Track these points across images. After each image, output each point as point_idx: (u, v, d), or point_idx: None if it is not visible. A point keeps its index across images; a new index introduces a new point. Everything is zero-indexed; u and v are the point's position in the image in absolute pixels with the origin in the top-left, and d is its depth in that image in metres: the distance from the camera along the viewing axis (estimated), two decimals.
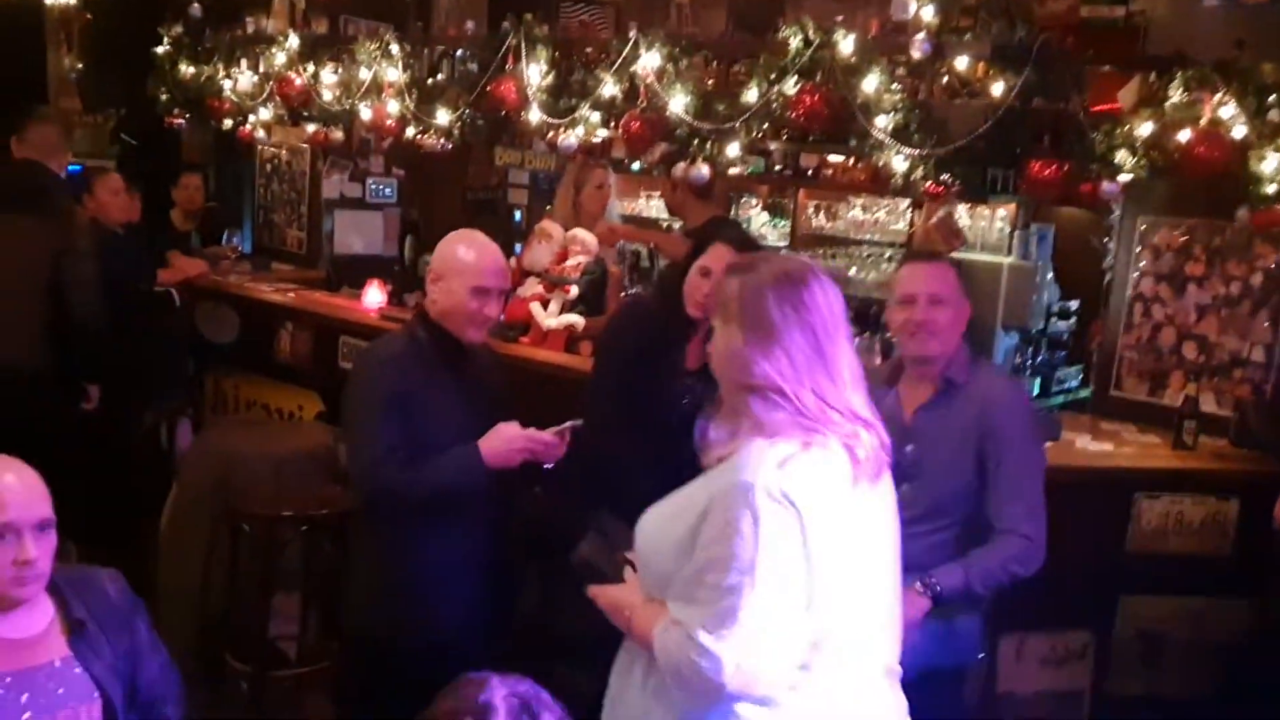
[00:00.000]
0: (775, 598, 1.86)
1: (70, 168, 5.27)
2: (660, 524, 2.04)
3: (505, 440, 2.97)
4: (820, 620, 1.91)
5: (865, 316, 5.40)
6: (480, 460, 2.96)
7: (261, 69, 5.56)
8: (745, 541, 1.84)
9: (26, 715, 2.18)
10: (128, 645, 2.41)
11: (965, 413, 3.05)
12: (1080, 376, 5.01)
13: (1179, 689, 3.74)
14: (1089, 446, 3.76)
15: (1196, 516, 3.59)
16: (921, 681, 3.09)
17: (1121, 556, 3.60)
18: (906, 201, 5.96)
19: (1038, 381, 4.89)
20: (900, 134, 3.54)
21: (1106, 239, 5.10)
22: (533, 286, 4.64)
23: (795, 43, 3.72)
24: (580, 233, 4.65)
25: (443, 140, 4.78)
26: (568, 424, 3.01)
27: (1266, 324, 3.81)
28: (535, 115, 4.31)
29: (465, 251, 3.08)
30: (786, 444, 1.92)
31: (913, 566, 3.07)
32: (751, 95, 3.81)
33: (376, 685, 3.18)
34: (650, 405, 3.58)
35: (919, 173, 3.55)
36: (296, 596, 4.12)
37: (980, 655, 3.31)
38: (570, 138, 4.31)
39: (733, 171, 5.86)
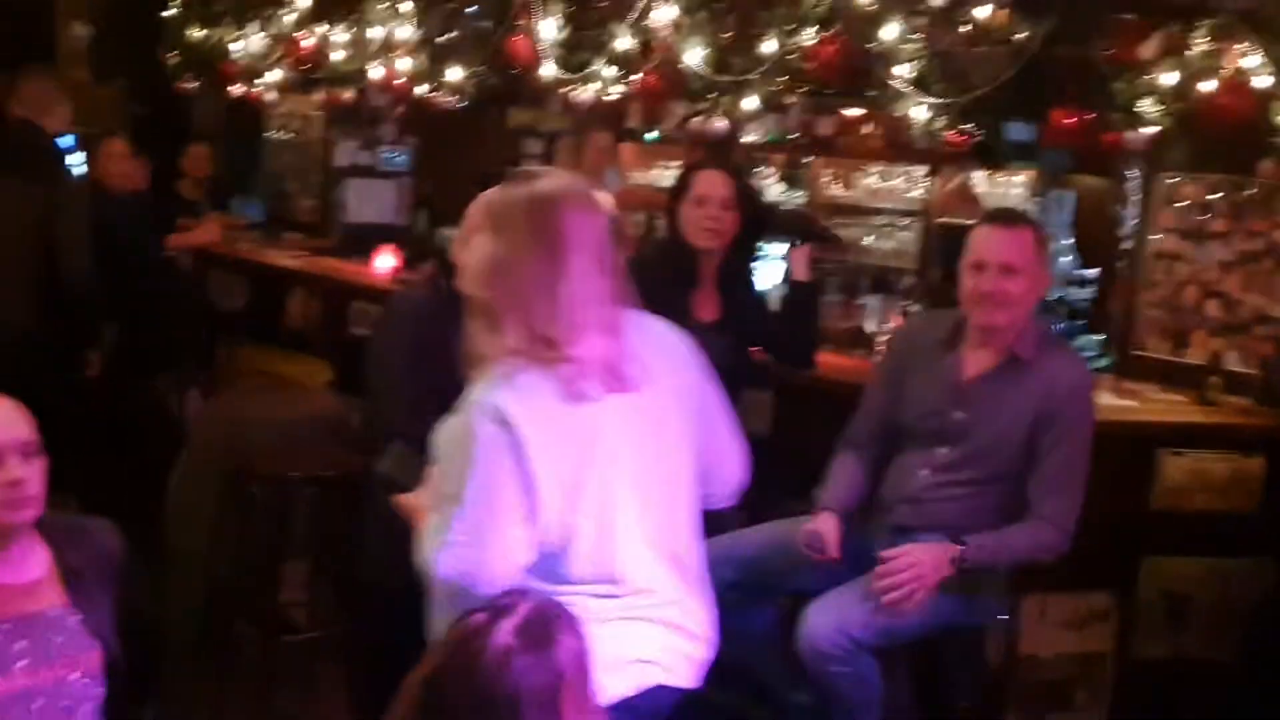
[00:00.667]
0: (486, 509, 1.94)
1: (71, 135, 5.24)
2: (438, 435, 2.09)
3: None
4: (552, 527, 1.98)
5: (883, 285, 5.35)
6: None
7: (272, 30, 5.51)
8: (464, 455, 1.95)
9: (23, 663, 2.11)
10: (123, 596, 2.36)
11: (1027, 392, 2.94)
12: (1100, 346, 4.95)
13: (1204, 652, 3.69)
14: (1112, 403, 3.70)
15: (1222, 473, 3.53)
16: (943, 639, 3.08)
17: (1145, 515, 3.54)
18: (924, 169, 5.88)
19: None
20: (920, 84, 3.48)
21: (1124, 207, 5.04)
22: None
23: None
24: (597, 195, 4.59)
25: (455, 98, 4.73)
26: None
27: None
28: (549, 71, 4.25)
29: None
30: (511, 361, 1.98)
31: (945, 526, 3.04)
32: (769, 47, 3.74)
33: (392, 639, 3.14)
34: None
35: (939, 123, 3.48)
36: (305, 563, 4.10)
37: (1003, 616, 3.27)
38: (585, 93, 4.25)
39: (748, 138, 5.84)
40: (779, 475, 3.82)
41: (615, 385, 2.05)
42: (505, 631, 1.56)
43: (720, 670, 3.60)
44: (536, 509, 1.96)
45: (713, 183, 3.47)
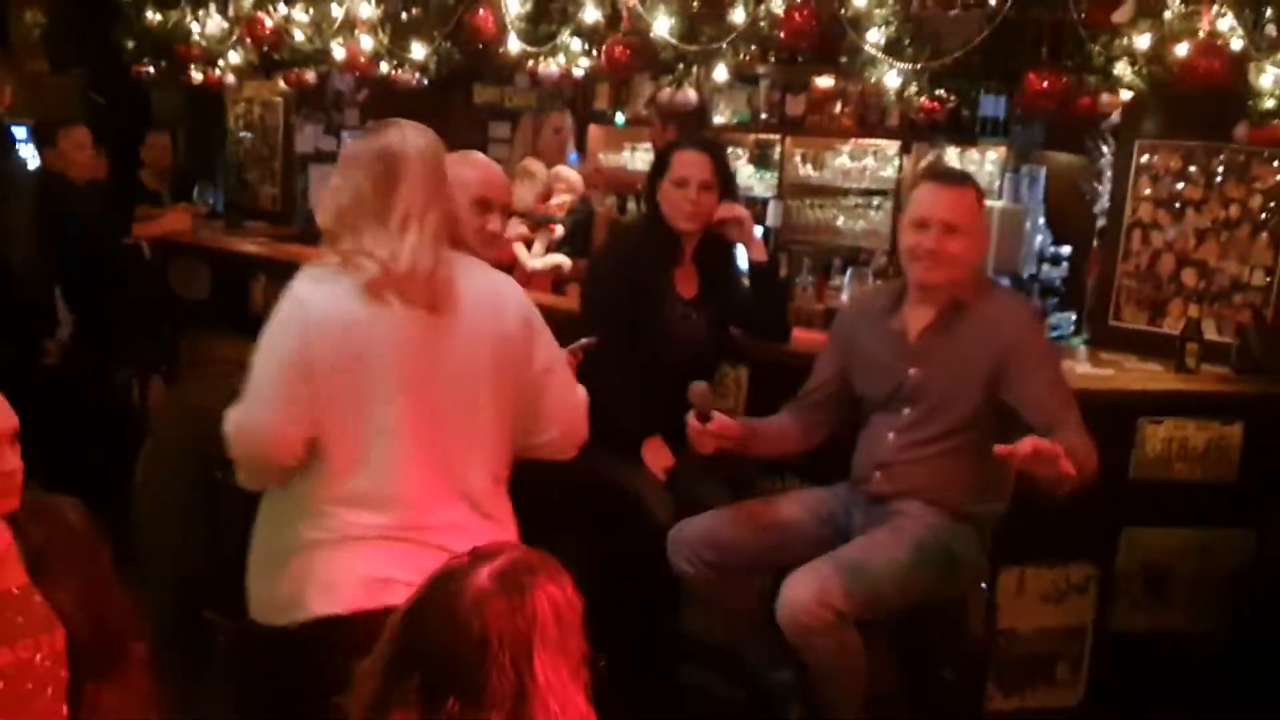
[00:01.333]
0: (271, 369, 2.26)
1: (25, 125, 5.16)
2: None
3: None
4: (330, 421, 2.26)
5: (855, 263, 5.33)
6: None
7: (231, 12, 5.41)
8: (267, 328, 2.29)
9: None
10: (90, 575, 2.28)
11: (974, 335, 2.97)
12: (1074, 322, 4.94)
13: (1185, 623, 3.66)
14: (1089, 372, 3.67)
15: (1200, 442, 3.49)
16: (926, 611, 3.04)
17: (1124, 485, 3.50)
18: (895, 146, 5.87)
19: None
20: (892, 49, 3.43)
21: (1097, 183, 5.03)
22: (516, 227, 4.51)
23: None
24: (564, 170, 4.54)
25: (419, 75, 4.65)
26: (582, 341, 2.89)
27: (1267, 246, 3.70)
28: (515, 45, 4.18)
29: (465, 167, 2.86)
30: (330, 261, 2.29)
31: (918, 489, 3.02)
32: (738, 15, 3.68)
33: None
34: (643, 336, 3.48)
35: (912, 89, 3.43)
36: None
37: (983, 585, 3.23)
38: (551, 66, 4.18)
39: (718, 119, 5.79)
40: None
41: (417, 302, 2.27)
42: (483, 575, 1.55)
43: (701, 651, 3.60)
44: (316, 387, 2.23)
45: (693, 164, 3.45)
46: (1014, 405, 2.90)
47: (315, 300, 2.26)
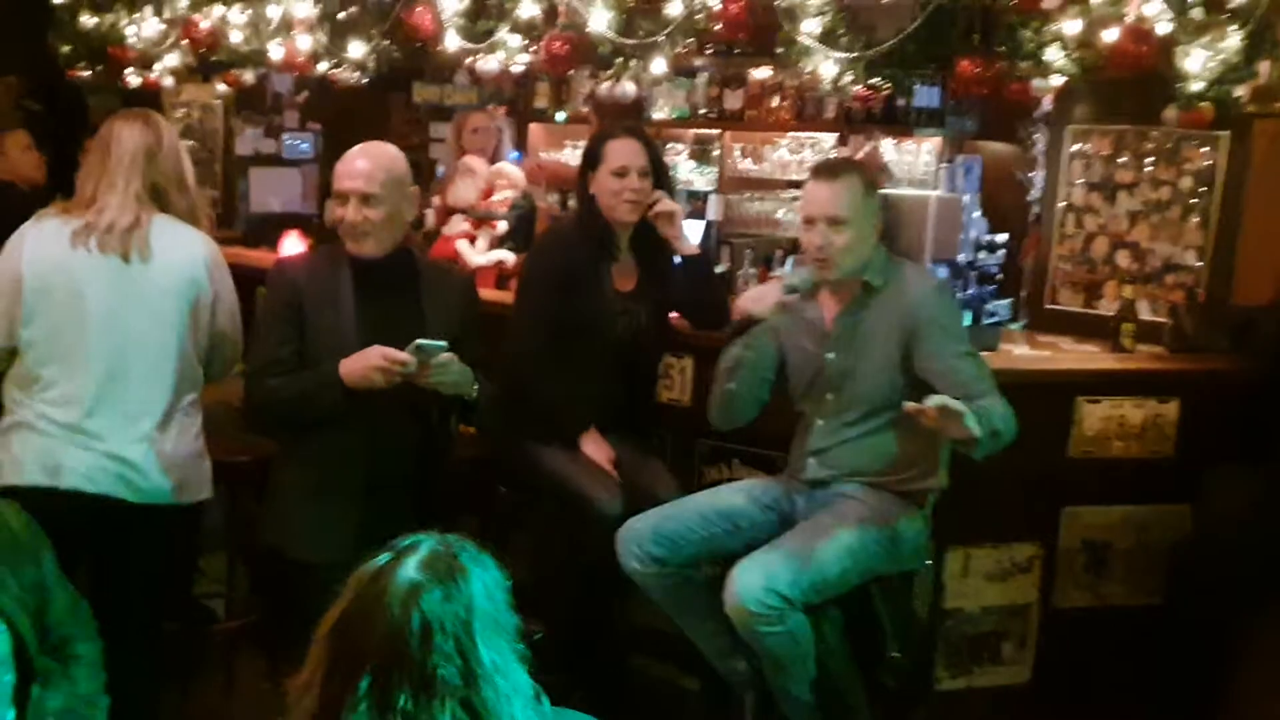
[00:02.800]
0: None
1: None
2: None
3: (364, 359, 2.81)
4: (31, 328, 2.89)
5: (796, 254, 5.35)
6: (336, 378, 2.82)
7: (166, 14, 5.35)
8: None
9: None
10: (33, 578, 2.25)
11: (885, 314, 3.04)
12: (1011, 308, 5.00)
13: (1127, 598, 3.73)
14: (1027, 354, 3.73)
15: (1137, 419, 3.57)
16: (870, 587, 3.08)
17: (1064, 464, 3.57)
18: (832, 139, 5.92)
19: (969, 314, 4.86)
20: (828, 39, 3.46)
21: (1030, 171, 5.11)
22: (459, 224, 4.52)
23: None
24: (506, 167, 4.55)
25: (358, 75, 4.63)
26: (427, 342, 2.77)
27: (1198, 227, 3.79)
28: (453, 42, 4.17)
29: (341, 159, 3.01)
30: (54, 210, 2.98)
31: (853, 472, 3.06)
32: (675, 8, 3.70)
33: (281, 605, 3.14)
34: (581, 331, 3.49)
35: (848, 78, 3.47)
36: (222, 554, 3.98)
37: (928, 562, 3.27)
38: (490, 63, 4.18)
39: (658, 114, 5.80)
40: (700, 442, 3.84)
41: (111, 249, 2.89)
42: (410, 567, 1.52)
43: (653, 641, 3.62)
44: (18, 306, 2.88)
45: (630, 152, 3.46)
46: (928, 379, 2.96)
47: (33, 237, 2.93)
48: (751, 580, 2.86)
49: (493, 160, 4.98)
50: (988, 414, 2.81)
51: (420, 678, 1.47)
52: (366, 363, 2.80)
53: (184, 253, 3.02)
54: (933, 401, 2.68)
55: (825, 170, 3.16)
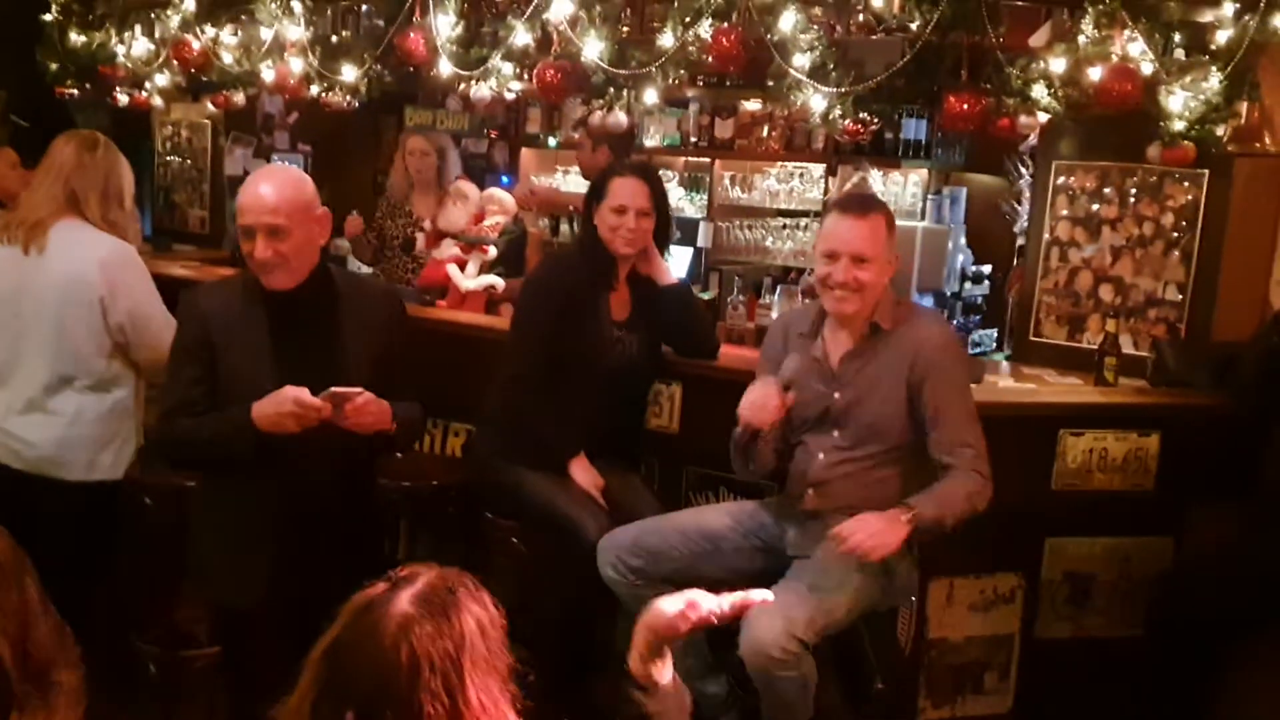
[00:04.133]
0: None
1: None
2: None
3: (276, 403, 2.66)
4: None
5: (784, 282, 5.40)
6: (248, 421, 2.68)
7: (157, 34, 5.36)
8: None
9: None
10: (16, 604, 2.24)
11: (894, 358, 3.03)
12: (995, 339, 5.06)
13: (1107, 630, 3.75)
14: (1011, 386, 3.76)
15: (1119, 453, 3.60)
16: (862, 622, 3.09)
17: (1047, 496, 3.59)
18: (820, 169, 5.98)
19: None
20: (817, 73, 3.50)
21: (1016, 204, 5.16)
22: (450, 249, 4.53)
23: None
24: (497, 193, 4.57)
25: (349, 98, 4.65)
26: (342, 389, 2.68)
27: (1179, 263, 3.83)
28: (445, 68, 4.19)
29: (241, 191, 2.82)
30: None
31: (849, 507, 3.06)
32: (667, 39, 3.74)
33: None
34: (577, 359, 3.51)
35: (837, 112, 3.50)
36: None
37: (913, 598, 3.29)
38: (482, 89, 4.20)
39: (649, 141, 5.84)
40: (687, 469, 3.85)
41: (17, 243, 3.37)
42: (404, 600, 1.51)
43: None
44: None
45: (631, 191, 3.49)
46: (923, 423, 3.00)
47: None
48: (772, 624, 2.81)
49: (436, 183, 5.05)
50: (949, 502, 2.90)
51: (407, 713, 1.46)
52: (279, 408, 2.65)
53: (78, 251, 3.37)
54: (850, 530, 2.80)
55: (855, 205, 3.10)
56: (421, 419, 3.01)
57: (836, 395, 3.09)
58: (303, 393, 2.65)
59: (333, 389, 2.66)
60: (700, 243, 6.19)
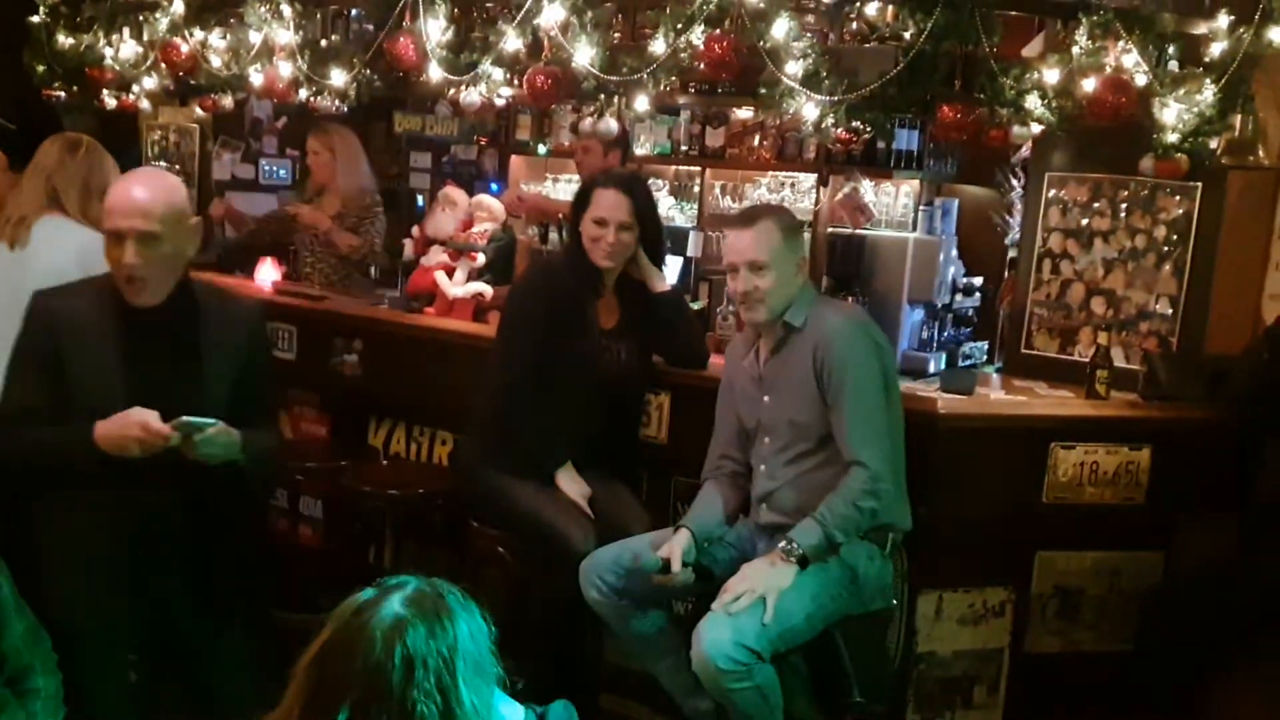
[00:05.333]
0: None
1: None
2: None
3: (122, 425, 2.56)
4: None
5: None
6: (89, 439, 2.56)
7: (145, 36, 5.32)
8: None
9: None
10: None
11: (802, 354, 3.08)
12: (986, 351, 5.04)
13: (1097, 644, 3.73)
14: (1002, 398, 3.74)
15: (1110, 466, 3.58)
16: (834, 632, 3.07)
17: (1038, 509, 3.57)
18: (812, 179, 5.96)
19: (944, 356, 4.89)
20: (810, 81, 3.48)
21: (1008, 215, 5.14)
22: (438, 255, 4.50)
23: None
24: (486, 199, 4.54)
25: (338, 103, 4.61)
26: (193, 419, 2.59)
27: (1171, 276, 3.82)
28: (435, 73, 4.16)
29: (109, 195, 2.69)
30: None
31: (802, 509, 3.06)
32: (658, 46, 3.71)
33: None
34: (564, 367, 3.48)
35: (829, 120, 3.48)
36: None
37: (894, 602, 3.26)
38: (472, 95, 4.17)
39: (640, 150, 5.81)
40: (676, 480, 3.82)
41: (4, 238, 3.47)
42: (396, 602, 1.52)
43: (625, 680, 3.59)
44: None
45: (613, 204, 3.47)
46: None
47: None
48: (719, 635, 2.83)
49: (332, 183, 5.14)
50: (833, 519, 2.93)
51: (399, 713, 1.47)
52: (123, 431, 2.54)
53: (58, 244, 3.40)
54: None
55: (741, 217, 3.24)
56: (276, 449, 2.88)
57: (765, 399, 3.17)
58: (149, 417, 2.54)
59: (184, 418, 2.56)
60: (690, 252, 6.15)
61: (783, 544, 2.94)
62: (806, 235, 5.89)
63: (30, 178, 3.61)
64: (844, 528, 2.95)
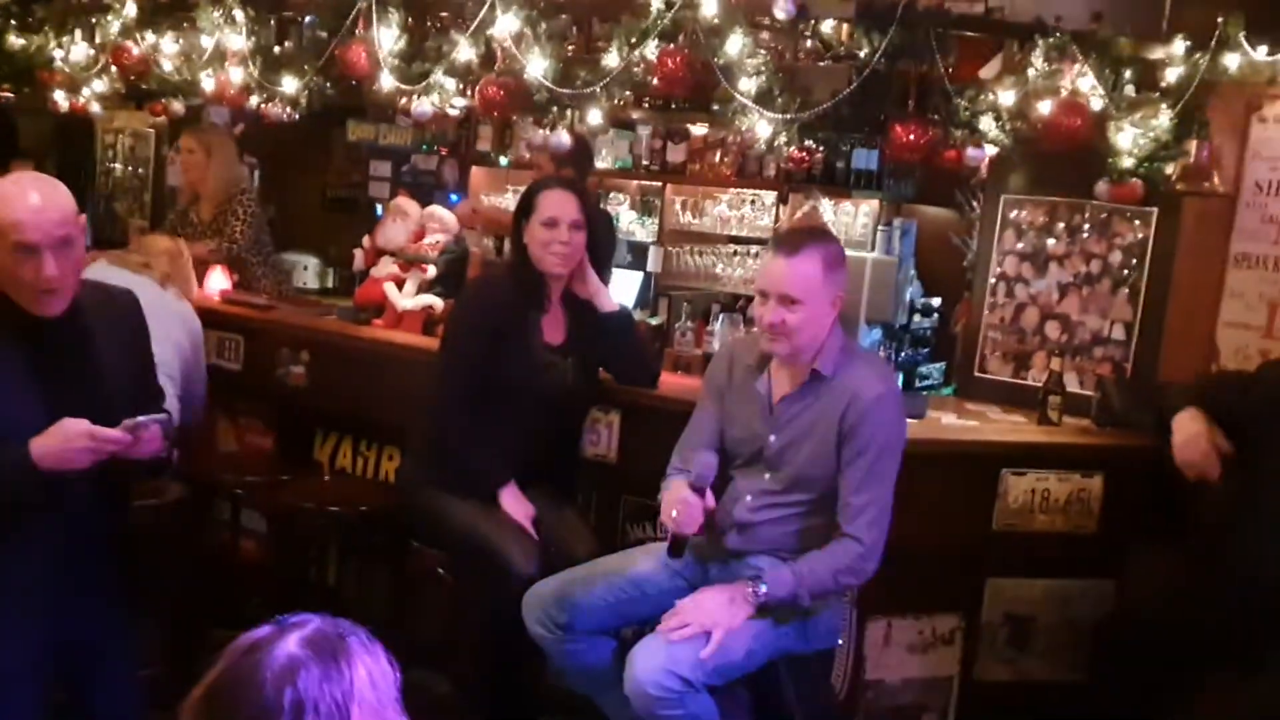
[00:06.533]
0: None
1: None
2: None
3: (64, 438, 2.44)
4: None
5: (732, 309, 5.34)
6: (28, 460, 2.42)
7: (97, 39, 5.24)
8: None
9: None
10: None
11: (829, 407, 2.91)
12: (943, 373, 5.01)
13: (1047, 673, 3.69)
14: (954, 423, 3.70)
15: (1062, 493, 3.53)
16: (784, 668, 3.00)
17: (988, 536, 3.53)
18: (772, 196, 5.94)
19: (900, 377, 4.86)
20: (763, 99, 3.44)
21: (968, 237, 5.12)
22: (387, 266, 4.43)
23: (657, 4, 3.60)
24: (438, 210, 4.47)
25: (289, 110, 4.54)
26: (143, 418, 2.54)
27: (1126, 301, 3.79)
28: (387, 82, 4.10)
29: (3, 203, 2.46)
30: None
31: (774, 550, 2.99)
32: (612, 59, 3.67)
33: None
34: (506, 383, 3.42)
35: (782, 138, 3.44)
36: None
37: (840, 643, 3.20)
38: (424, 105, 4.11)
39: (601, 164, 5.77)
40: (625, 499, 3.76)
41: None
42: (291, 642, 1.43)
43: (563, 702, 3.52)
44: None
45: (562, 203, 3.39)
46: None
47: None
48: (651, 661, 2.76)
49: (204, 185, 5.10)
50: (810, 580, 2.82)
51: None
52: (68, 443, 2.43)
53: None
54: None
55: (788, 242, 2.93)
56: (172, 425, 2.74)
57: (772, 438, 2.99)
58: (87, 426, 2.44)
59: (135, 418, 2.49)
60: (650, 267, 6.13)
61: (750, 585, 2.81)
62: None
63: None
64: (816, 592, 2.84)
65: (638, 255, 6.15)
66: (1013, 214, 3.97)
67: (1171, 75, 3.44)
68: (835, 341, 2.95)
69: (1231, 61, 3.42)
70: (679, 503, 2.86)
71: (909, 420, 3.48)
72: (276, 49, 4.64)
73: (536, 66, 3.79)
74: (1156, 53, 3.53)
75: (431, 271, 4.36)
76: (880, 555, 2.87)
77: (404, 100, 4.17)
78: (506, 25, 3.84)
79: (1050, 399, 3.64)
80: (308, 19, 4.68)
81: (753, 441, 3.03)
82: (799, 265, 2.84)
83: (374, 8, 4.08)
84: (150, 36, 4.96)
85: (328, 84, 4.36)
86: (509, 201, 6.65)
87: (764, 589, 2.81)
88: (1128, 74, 3.51)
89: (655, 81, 3.63)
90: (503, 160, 6.68)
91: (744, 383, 3.07)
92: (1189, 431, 3.16)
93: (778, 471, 2.99)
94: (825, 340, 2.92)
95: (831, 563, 2.84)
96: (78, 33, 5.39)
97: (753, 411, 3.04)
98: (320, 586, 4.15)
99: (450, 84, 4.05)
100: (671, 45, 3.57)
